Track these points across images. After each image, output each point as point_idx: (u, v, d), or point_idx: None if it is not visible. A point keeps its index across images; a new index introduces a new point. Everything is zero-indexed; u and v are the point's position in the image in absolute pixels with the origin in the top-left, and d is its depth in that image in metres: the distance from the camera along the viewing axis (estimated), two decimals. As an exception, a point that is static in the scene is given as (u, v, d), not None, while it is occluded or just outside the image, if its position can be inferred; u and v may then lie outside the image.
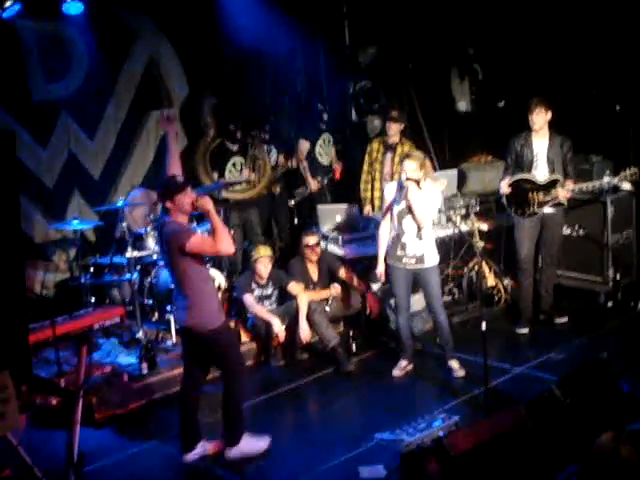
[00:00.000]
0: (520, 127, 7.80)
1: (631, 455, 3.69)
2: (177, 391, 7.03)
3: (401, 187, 6.89)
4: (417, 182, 6.74)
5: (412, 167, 6.75)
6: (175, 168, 5.93)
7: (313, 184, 9.73)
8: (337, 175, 10.00)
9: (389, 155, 8.79)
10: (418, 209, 6.80)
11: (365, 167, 9.00)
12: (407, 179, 6.74)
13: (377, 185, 8.76)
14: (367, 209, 8.85)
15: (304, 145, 9.75)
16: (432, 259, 7.02)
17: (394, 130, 8.73)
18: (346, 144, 10.76)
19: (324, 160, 9.89)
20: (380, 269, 7.15)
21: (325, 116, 9.99)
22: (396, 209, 6.95)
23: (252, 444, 6.02)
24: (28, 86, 8.76)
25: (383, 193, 7.34)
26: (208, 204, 5.53)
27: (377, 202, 8.73)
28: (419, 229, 6.90)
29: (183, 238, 5.47)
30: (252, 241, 9.14)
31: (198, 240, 5.54)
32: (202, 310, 5.68)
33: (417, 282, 7.25)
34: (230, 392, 5.92)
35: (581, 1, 8.64)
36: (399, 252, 6.98)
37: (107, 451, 6.23)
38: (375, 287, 8.07)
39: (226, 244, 5.54)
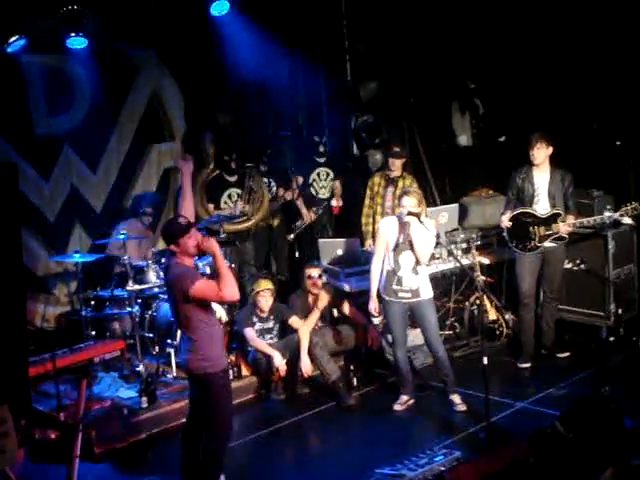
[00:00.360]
0: (521, 162, 7.83)
1: None
2: (177, 425, 7.05)
3: (400, 222, 6.91)
4: (418, 217, 6.77)
5: (411, 203, 6.79)
6: (188, 207, 5.95)
7: (307, 216, 9.75)
8: (336, 211, 10.04)
9: (390, 189, 8.84)
10: (420, 244, 6.83)
11: (366, 201, 9.04)
12: (409, 214, 6.75)
13: (378, 219, 8.78)
14: (369, 243, 8.86)
15: (298, 179, 9.80)
16: (427, 292, 7.05)
17: (397, 165, 8.83)
18: (347, 178, 10.79)
19: (320, 194, 9.92)
20: (374, 305, 7.13)
21: (322, 148, 10.01)
22: (393, 244, 6.96)
23: None
24: (31, 119, 8.84)
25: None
26: (214, 246, 5.42)
27: None
28: (416, 264, 6.92)
29: (187, 283, 5.34)
30: (251, 274, 9.13)
31: (202, 286, 5.39)
32: (203, 353, 5.53)
33: (413, 316, 7.25)
34: (210, 441, 5.67)
35: (582, 36, 8.68)
36: (395, 286, 6.98)
37: (106, 486, 6.19)
38: (376, 321, 8.05)
39: (231, 291, 5.39)
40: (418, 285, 6.98)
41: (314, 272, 7.91)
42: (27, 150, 8.74)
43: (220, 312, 7.98)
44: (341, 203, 10.12)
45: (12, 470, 5.17)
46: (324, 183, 9.97)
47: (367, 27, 10.55)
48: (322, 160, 10.03)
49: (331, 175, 10.04)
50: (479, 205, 9.32)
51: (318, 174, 9.93)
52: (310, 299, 7.97)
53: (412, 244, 6.85)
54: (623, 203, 7.72)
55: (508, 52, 9.38)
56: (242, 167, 9.32)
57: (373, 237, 8.83)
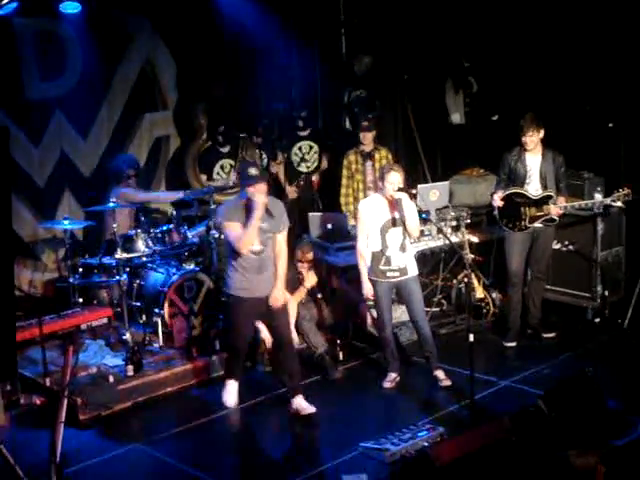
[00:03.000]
0: (513, 141, 7.82)
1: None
2: (162, 394, 7.11)
3: (390, 200, 6.86)
4: (410, 194, 6.75)
5: (399, 179, 6.76)
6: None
7: (290, 191, 9.76)
8: (315, 187, 10.03)
9: (369, 163, 8.87)
10: (412, 219, 6.82)
11: (344, 181, 8.98)
12: (399, 190, 6.73)
13: (361, 196, 8.77)
14: (352, 222, 8.85)
15: (279, 154, 9.80)
16: (413, 269, 7.06)
17: (368, 139, 8.86)
18: (339, 152, 10.77)
19: (302, 167, 9.90)
20: (367, 288, 7.06)
21: (300, 123, 9.95)
22: (378, 224, 6.91)
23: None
24: (22, 84, 8.76)
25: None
26: (259, 208, 6.23)
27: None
28: (403, 241, 6.91)
29: (222, 218, 6.49)
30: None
31: (230, 226, 6.38)
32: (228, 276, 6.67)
33: (399, 293, 7.27)
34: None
35: (576, 17, 8.67)
36: (383, 267, 6.95)
37: (90, 452, 6.20)
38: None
39: (244, 244, 6.31)
40: (405, 263, 6.97)
41: (305, 255, 7.85)
42: (18, 115, 8.66)
43: (208, 282, 8.02)
44: (318, 176, 10.11)
45: (-3, 434, 5.18)
46: (307, 157, 9.93)
47: (363, 1, 10.49)
48: (304, 134, 9.98)
49: (315, 148, 9.98)
50: (470, 184, 9.35)
51: (300, 148, 9.89)
52: (299, 273, 7.96)
53: (404, 221, 6.83)
54: (614, 187, 7.75)
55: (503, 32, 9.37)
56: (235, 138, 9.29)
57: (355, 217, 8.84)
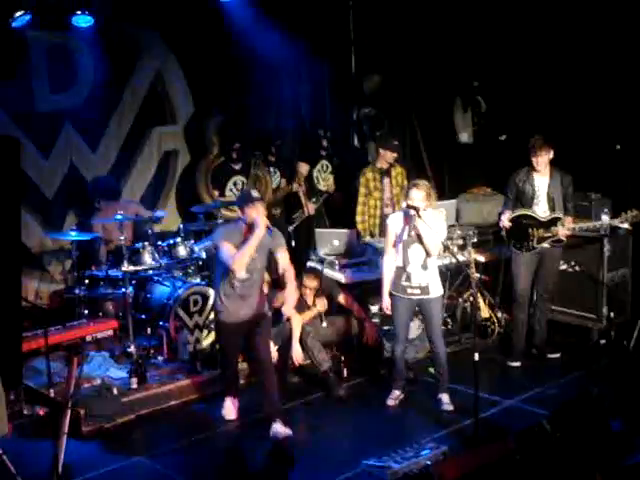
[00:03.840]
0: (521, 161, 7.83)
1: None
2: (166, 407, 7.10)
3: (406, 216, 6.85)
4: (417, 210, 6.73)
5: (419, 196, 6.71)
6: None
7: (310, 208, 9.79)
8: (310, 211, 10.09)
9: (386, 180, 8.87)
10: (427, 237, 6.77)
11: (361, 199, 8.91)
12: (408, 206, 6.73)
13: (377, 212, 8.79)
14: (367, 240, 8.87)
15: (303, 168, 9.82)
16: (437, 289, 6.99)
17: (393, 158, 8.83)
18: (347, 170, 10.81)
19: (321, 185, 9.97)
20: (386, 302, 7.04)
21: (325, 142, 10.04)
22: (402, 239, 6.89)
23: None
24: (34, 96, 8.81)
25: (384, 221, 7.28)
26: (259, 228, 6.26)
27: (376, 230, 8.77)
28: (425, 258, 6.84)
29: (217, 238, 6.52)
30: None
31: (224, 248, 6.35)
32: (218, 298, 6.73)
33: (419, 312, 7.25)
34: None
35: (584, 39, 8.70)
36: (404, 282, 6.92)
37: (93, 464, 6.18)
38: (374, 309, 8.05)
39: (239, 265, 6.30)
40: (427, 282, 6.90)
41: (311, 284, 7.83)
42: (28, 126, 8.72)
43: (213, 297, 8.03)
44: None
45: None
46: (325, 175, 10.02)
47: (373, 20, 10.55)
48: (324, 153, 10.10)
49: (330, 168, 10.08)
50: (477, 203, 9.35)
51: (321, 166, 9.97)
52: (303, 290, 7.93)
53: (420, 237, 6.80)
54: (621, 208, 7.75)
55: (512, 52, 9.40)
56: (247, 155, 9.34)
57: (371, 233, 8.85)
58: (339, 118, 11.05)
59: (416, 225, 6.75)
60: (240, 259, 6.28)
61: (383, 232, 7.78)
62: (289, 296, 6.77)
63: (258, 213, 6.30)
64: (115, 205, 8.71)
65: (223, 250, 6.37)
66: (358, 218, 8.96)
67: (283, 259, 6.64)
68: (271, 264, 9.88)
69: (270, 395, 6.58)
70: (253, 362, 7.07)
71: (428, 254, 6.84)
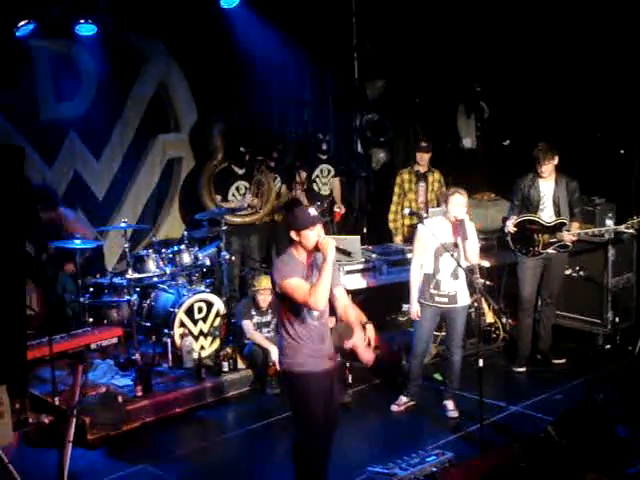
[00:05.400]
0: (525, 166, 7.83)
1: None
2: (171, 414, 7.09)
3: (453, 223, 6.78)
4: (462, 221, 6.70)
5: (462, 202, 6.71)
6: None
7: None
8: (337, 219, 10.06)
9: (422, 184, 9.00)
10: (472, 243, 6.73)
11: (395, 198, 9.13)
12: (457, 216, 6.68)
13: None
14: (398, 239, 8.90)
15: (302, 174, 9.82)
16: (464, 299, 6.96)
17: (425, 160, 8.98)
18: (350, 175, 10.83)
19: (322, 190, 9.94)
20: (415, 308, 6.96)
21: (324, 146, 10.00)
22: (434, 246, 6.83)
23: None
24: (38, 104, 8.84)
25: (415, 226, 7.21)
26: (330, 250, 5.03)
27: (407, 230, 8.85)
28: (456, 267, 6.78)
29: (279, 275, 5.10)
30: (252, 268, 9.15)
31: (293, 284, 5.04)
32: (284, 350, 5.27)
33: (443, 320, 7.22)
34: (295, 442, 5.41)
35: (588, 44, 8.71)
36: (432, 290, 6.88)
37: (98, 472, 6.20)
38: (406, 307, 7.98)
39: (319, 300, 4.98)
40: (456, 290, 6.88)
41: None
42: (32, 135, 8.73)
43: (218, 304, 8.04)
44: (344, 210, 10.15)
45: (5, 452, 5.17)
46: (325, 180, 9.99)
47: (376, 26, 10.57)
48: (324, 157, 10.04)
49: (332, 172, 10.04)
50: (481, 208, 9.34)
51: (321, 170, 9.95)
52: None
53: (465, 244, 6.75)
54: (625, 213, 7.76)
55: (515, 57, 9.42)
56: (251, 160, 9.35)
57: (402, 233, 8.88)
58: (342, 124, 11.06)
59: (466, 233, 6.68)
60: (320, 293, 4.98)
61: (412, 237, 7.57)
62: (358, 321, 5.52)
63: (319, 235, 5.12)
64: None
65: (293, 287, 5.03)
66: (390, 217, 9.14)
67: (340, 293, 5.46)
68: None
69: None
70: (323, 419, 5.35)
71: (468, 260, 6.80)
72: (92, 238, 8.56)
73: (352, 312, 5.44)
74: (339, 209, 10.06)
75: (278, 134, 10.46)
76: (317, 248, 5.12)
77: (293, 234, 5.15)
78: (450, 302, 6.89)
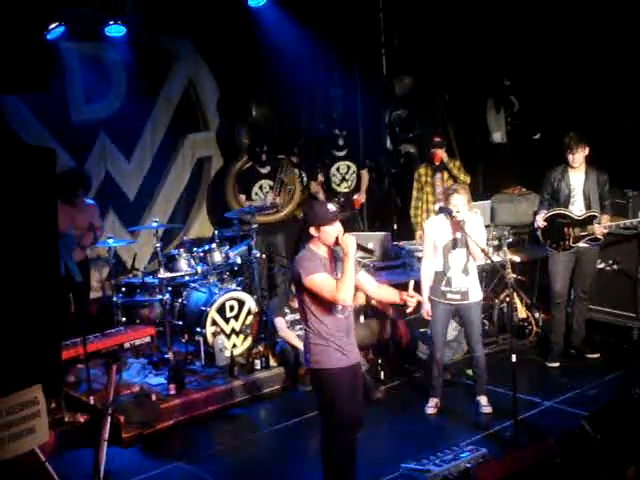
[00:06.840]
0: (555, 160, 7.77)
1: None
2: (204, 412, 7.13)
3: (452, 222, 6.73)
4: (462, 221, 6.62)
5: (463, 202, 6.66)
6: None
7: None
8: (357, 205, 10.02)
9: (438, 175, 8.99)
10: (476, 245, 6.64)
11: (414, 193, 9.14)
12: (457, 213, 6.63)
13: (430, 207, 8.91)
14: (419, 234, 8.89)
15: (320, 172, 9.82)
16: (476, 294, 6.91)
17: (438, 156, 8.91)
18: (379, 171, 10.81)
19: (340, 188, 9.89)
20: (426, 307, 6.89)
21: (341, 141, 9.91)
22: (442, 243, 6.81)
23: None
24: (68, 106, 8.92)
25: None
26: (351, 246, 5.00)
27: None
28: (467, 263, 6.76)
29: (304, 271, 5.06)
30: (282, 266, 9.17)
31: (319, 280, 5.02)
32: (310, 348, 5.25)
33: (458, 317, 7.21)
34: (324, 440, 5.37)
35: (618, 35, 8.62)
36: (443, 287, 6.83)
37: (132, 471, 6.25)
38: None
39: (346, 295, 4.98)
40: (468, 287, 6.81)
41: None
42: (63, 136, 8.82)
43: (250, 302, 8.06)
44: (363, 198, 10.08)
45: (42, 452, 5.22)
46: (347, 176, 9.91)
47: (403, 22, 10.55)
48: (342, 154, 9.90)
49: (353, 168, 9.96)
50: (512, 203, 9.29)
51: (337, 168, 9.88)
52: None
53: (467, 243, 6.69)
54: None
55: (544, 50, 9.34)
56: (274, 159, 9.35)
57: (423, 228, 8.87)
58: (371, 120, 11.04)
59: (466, 231, 6.62)
60: (346, 289, 4.98)
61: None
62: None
63: (339, 230, 5.10)
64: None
65: (320, 283, 5.02)
66: (412, 212, 9.22)
67: (363, 277, 5.44)
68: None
69: None
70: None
71: (474, 259, 6.77)
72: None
73: (385, 288, 5.52)
74: (358, 196, 10.00)
75: (304, 131, 10.45)
76: (337, 243, 5.12)
77: (313, 230, 5.14)
78: (462, 298, 6.83)
